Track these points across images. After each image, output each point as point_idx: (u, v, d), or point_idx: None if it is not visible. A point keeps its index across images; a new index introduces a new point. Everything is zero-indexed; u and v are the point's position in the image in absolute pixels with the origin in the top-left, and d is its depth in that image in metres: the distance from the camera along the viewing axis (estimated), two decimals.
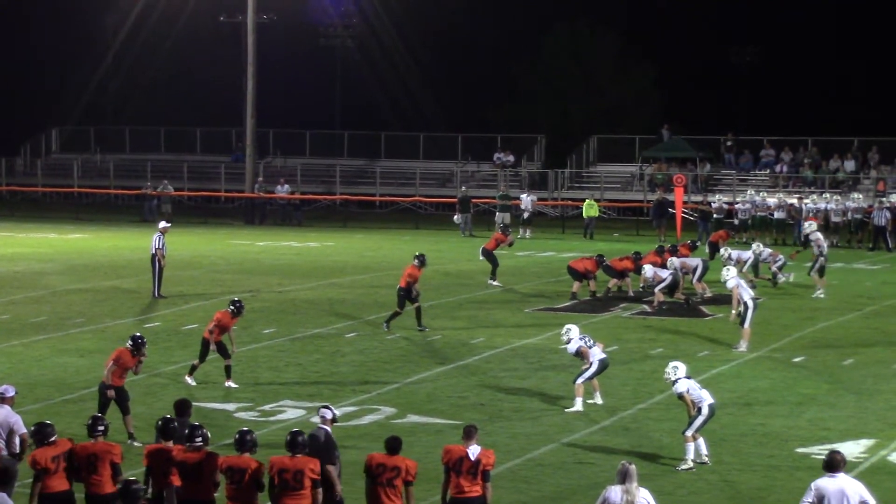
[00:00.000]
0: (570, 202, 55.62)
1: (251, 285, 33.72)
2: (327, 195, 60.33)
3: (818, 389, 22.04)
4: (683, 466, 17.02)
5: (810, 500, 12.48)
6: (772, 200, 48.61)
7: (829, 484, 12.50)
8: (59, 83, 71.24)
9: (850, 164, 56.48)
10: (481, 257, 35.55)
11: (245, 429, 13.59)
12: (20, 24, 73.40)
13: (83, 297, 31.47)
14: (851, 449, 17.75)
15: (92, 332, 26.69)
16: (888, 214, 45.03)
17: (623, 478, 12.30)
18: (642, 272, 30.86)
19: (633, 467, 12.37)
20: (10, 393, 15.32)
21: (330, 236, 48.68)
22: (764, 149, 58.92)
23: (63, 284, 33.67)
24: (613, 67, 70.14)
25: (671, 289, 30.76)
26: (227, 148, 66.06)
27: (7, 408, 15.11)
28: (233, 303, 21.92)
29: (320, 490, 13.13)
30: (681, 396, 17.40)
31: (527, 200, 50.63)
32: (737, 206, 48.60)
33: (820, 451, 17.07)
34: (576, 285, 31.65)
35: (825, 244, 33.13)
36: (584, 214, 49.74)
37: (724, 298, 29.10)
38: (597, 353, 20.46)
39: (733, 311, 25.47)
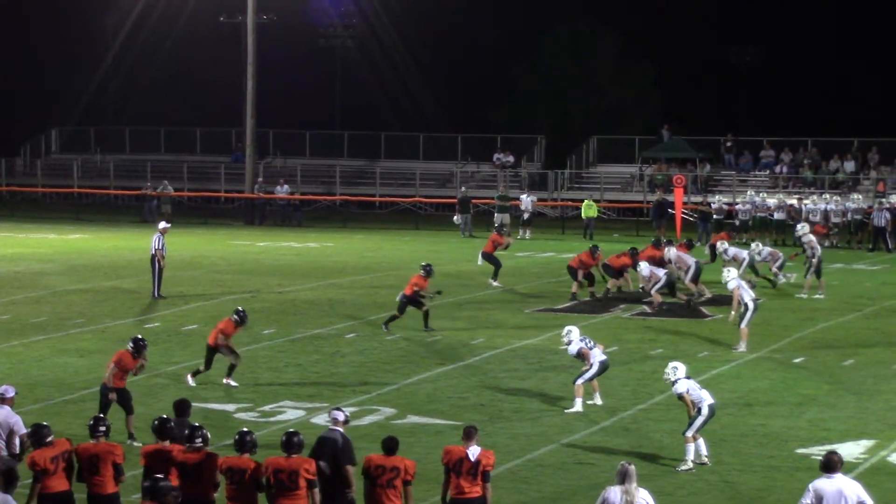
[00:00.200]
0: (569, 203, 55.61)
1: (251, 286, 33.72)
2: (327, 195, 60.28)
3: (818, 390, 22.05)
4: (683, 467, 17.03)
5: (808, 502, 12.48)
6: (772, 201, 48.63)
7: (826, 485, 12.51)
8: (59, 83, 71.13)
9: (849, 165, 56.47)
10: (480, 261, 35.54)
11: (245, 429, 13.62)
12: (20, 24, 73.34)
13: (83, 298, 31.48)
14: (851, 450, 17.77)
15: (92, 332, 26.69)
16: (888, 215, 45.01)
17: (622, 478, 12.31)
18: (639, 269, 30.84)
19: (632, 468, 12.38)
20: (11, 393, 15.33)
21: (330, 237, 48.67)
22: (764, 149, 58.89)
23: (63, 285, 33.67)
24: (613, 67, 70.06)
25: (669, 288, 30.78)
26: (227, 148, 66.02)
27: (7, 408, 15.12)
28: (237, 312, 21.85)
29: (317, 490, 13.11)
30: (680, 397, 17.42)
31: (526, 201, 50.59)
32: (737, 206, 48.60)
33: (820, 452, 17.00)
34: (575, 286, 31.66)
35: (818, 246, 33.15)
36: (582, 215, 49.72)
37: (723, 299, 29.09)
38: (597, 355, 20.49)
39: (733, 312, 25.49)
